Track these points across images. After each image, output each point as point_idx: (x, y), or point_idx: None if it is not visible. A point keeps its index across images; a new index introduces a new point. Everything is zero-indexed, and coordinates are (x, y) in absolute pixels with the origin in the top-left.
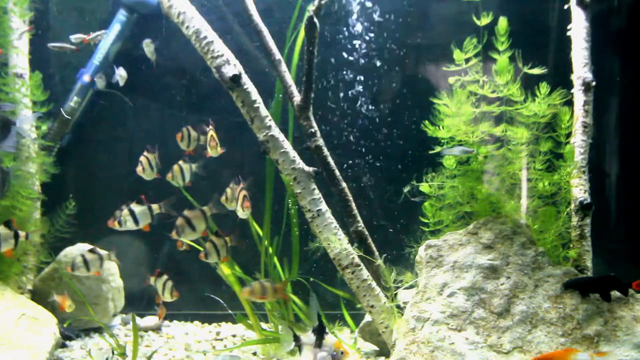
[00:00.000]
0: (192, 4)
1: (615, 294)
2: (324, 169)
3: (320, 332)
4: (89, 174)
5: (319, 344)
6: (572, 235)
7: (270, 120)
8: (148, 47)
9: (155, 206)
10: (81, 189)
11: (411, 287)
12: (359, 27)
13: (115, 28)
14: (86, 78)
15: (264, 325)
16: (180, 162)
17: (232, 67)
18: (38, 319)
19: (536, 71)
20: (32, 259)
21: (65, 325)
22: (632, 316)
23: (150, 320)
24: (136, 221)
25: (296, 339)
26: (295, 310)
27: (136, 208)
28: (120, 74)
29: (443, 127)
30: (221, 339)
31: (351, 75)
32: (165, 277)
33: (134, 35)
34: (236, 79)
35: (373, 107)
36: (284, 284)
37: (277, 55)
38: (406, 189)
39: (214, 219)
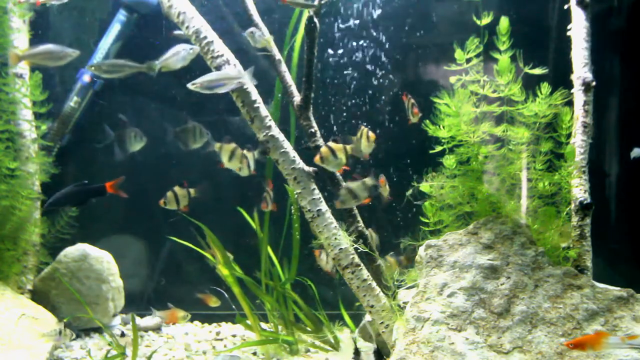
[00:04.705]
0: (192, 4)
1: (616, 294)
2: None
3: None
4: (88, 174)
5: None
6: (572, 235)
7: (270, 120)
8: None
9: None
10: None
11: (411, 287)
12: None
13: (115, 28)
14: (86, 78)
15: (263, 325)
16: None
17: (232, 67)
18: (38, 319)
19: (537, 71)
20: (32, 259)
21: (65, 320)
22: (632, 316)
23: (150, 320)
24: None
25: (356, 352)
26: (295, 310)
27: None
28: None
29: (444, 127)
30: (221, 339)
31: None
32: None
33: (134, 35)
34: None
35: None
36: None
37: (277, 55)
38: (408, 192)
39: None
